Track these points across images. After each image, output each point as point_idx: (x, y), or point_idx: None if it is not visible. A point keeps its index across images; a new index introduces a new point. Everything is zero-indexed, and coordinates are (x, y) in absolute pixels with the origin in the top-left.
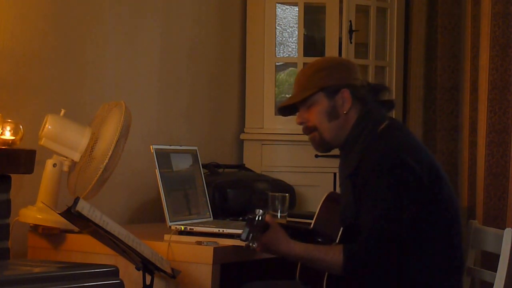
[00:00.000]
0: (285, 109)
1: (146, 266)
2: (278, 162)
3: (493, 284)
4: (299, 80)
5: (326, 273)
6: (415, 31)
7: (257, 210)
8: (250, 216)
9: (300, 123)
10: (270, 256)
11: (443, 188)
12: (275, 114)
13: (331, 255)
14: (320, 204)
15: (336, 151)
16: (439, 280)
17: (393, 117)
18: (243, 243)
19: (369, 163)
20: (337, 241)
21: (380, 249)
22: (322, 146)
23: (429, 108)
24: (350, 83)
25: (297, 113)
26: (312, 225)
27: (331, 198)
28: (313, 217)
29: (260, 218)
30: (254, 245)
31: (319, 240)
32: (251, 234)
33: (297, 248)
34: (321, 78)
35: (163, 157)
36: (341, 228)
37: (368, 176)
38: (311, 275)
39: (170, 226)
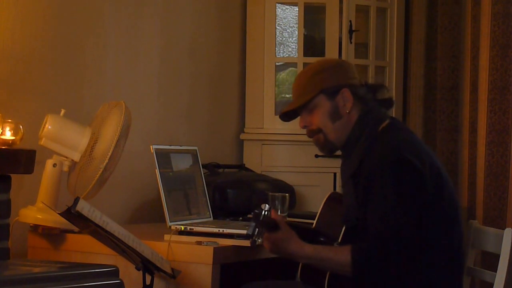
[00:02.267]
0: (286, 115)
1: (146, 266)
2: (278, 162)
3: (493, 284)
4: (298, 85)
5: (328, 273)
6: (415, 31)
7: (263, 205)
8: (256, 211)
9: (304, 127)
10: (270, 256)
11: (444, 187)
12: (275, 114)
13: (340, 255)
14: (322, 204)
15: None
16: (440, 280)
17: (393, 116)
18: (243, 243)
19: (371, 163)
20: (339, 240)
21: (388, 249)
22: (327, 148)
23: (429, 108)
24: (349, 83)
25: (299, 118)
26: (314, 225)
27: (333, 198)
28: (313, 217)
29: (266, 213)
30: (259, 240)
31: (321, 239)
32: (257, 229)
33: (307, 248)
34: (320, 80)
35: (163, 157)
36: (343, 228)
37: (371, 175)
38: (313, 275)
39: (170, 226)
